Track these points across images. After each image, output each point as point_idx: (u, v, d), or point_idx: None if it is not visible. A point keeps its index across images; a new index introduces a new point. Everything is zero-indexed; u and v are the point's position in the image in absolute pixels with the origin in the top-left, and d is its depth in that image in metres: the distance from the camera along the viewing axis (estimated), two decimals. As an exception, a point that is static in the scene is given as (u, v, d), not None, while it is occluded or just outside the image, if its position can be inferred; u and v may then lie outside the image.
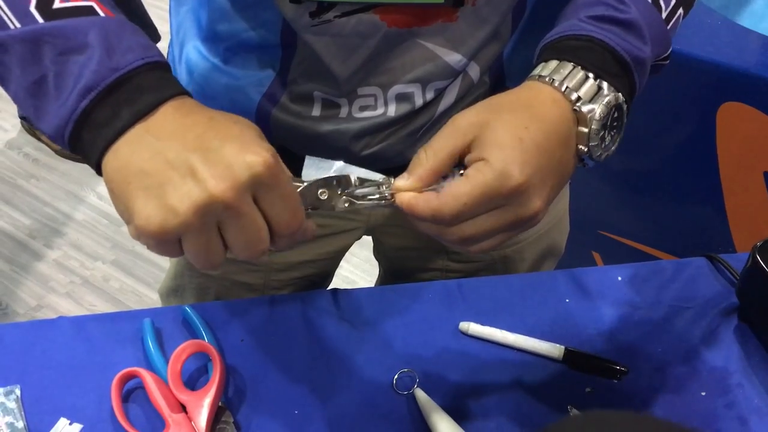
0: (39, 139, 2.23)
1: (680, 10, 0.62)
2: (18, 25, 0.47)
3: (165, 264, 1.92)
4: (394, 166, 0.75)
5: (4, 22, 0.47)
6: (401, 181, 0.52)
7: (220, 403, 0.66)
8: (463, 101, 0.72)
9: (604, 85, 0.55)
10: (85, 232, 2.02)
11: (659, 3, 0.59)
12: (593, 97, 0.54)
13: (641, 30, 0.57)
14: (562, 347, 0.71)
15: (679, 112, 1.32)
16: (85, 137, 0.47)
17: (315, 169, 0.53)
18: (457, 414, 0.66)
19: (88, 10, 0.48)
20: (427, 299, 0.76)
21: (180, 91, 0.49)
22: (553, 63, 0.55)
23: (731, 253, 0.91)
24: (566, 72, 0.54)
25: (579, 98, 0.54)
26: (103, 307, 1.84)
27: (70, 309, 1.82)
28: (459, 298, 0.77)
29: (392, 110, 0.70)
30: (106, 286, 1.89)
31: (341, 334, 0.73)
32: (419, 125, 0.72)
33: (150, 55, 0.48)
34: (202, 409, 0.64)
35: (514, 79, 0.73)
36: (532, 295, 0.77)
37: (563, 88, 0.54)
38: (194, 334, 0.71)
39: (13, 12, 0.47)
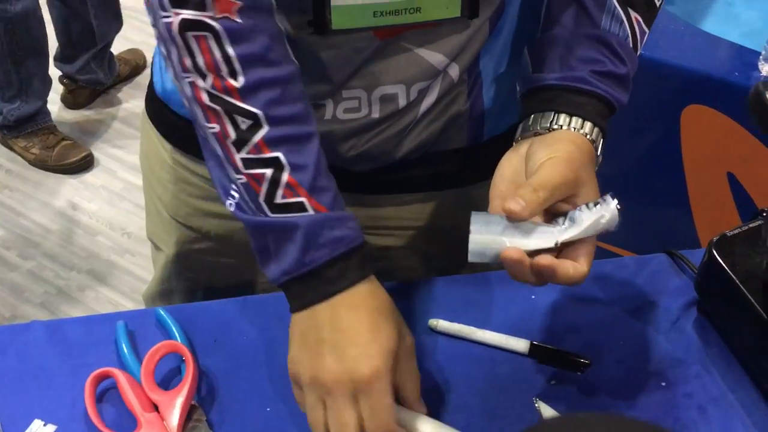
0: (12, 150, 2.22)
1: (648, 35, 0.72)
2: (253, 209, 0.62)
3: (141, 273, 1.92)
4: (382, 165, 0.77)
5: (243, 209, 0.63)
6: (516, 207, 0.61)
7: (193, 402, 0.67)
8: (444, 100, 0.74)
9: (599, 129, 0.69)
10: (59, 243, 2.01)
11: (637, 45, 0.70)
12: (597, 139, 0.68)
13: (629, 81, 0.71)
14: (528, 342, 0.73)
15: (645, 114, 1.34)
16: (287, 295, 0.65)
17: (482, 224, 0.61)
18: (427, 407, 0.68)
19: (300, 207, 0.61)
20: (397, 297, 0.78)
21: (355, 281, 0.63)
22: (565, 117, 0.67)
23: (696, 251, 0.93)
24: (579, 125, 0.67)
25: (593, 141, 0.67)
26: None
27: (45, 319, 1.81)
28: (428, 295, 0.78)
29: (376, 111, 0.72)
30: (82, 296, 1.89)
31: (312, 333, 0.74)
32: (404, 125, 0.74)
33: (337, 250, 0.62)
34: (174, 408, 0.65)
35: (489, 75, 0.75)
36: (500, 292, 0.79)
37: (589, 139, 0.67)
38: (168, 336, 0.72)
39: (251, 199, 0.62)
